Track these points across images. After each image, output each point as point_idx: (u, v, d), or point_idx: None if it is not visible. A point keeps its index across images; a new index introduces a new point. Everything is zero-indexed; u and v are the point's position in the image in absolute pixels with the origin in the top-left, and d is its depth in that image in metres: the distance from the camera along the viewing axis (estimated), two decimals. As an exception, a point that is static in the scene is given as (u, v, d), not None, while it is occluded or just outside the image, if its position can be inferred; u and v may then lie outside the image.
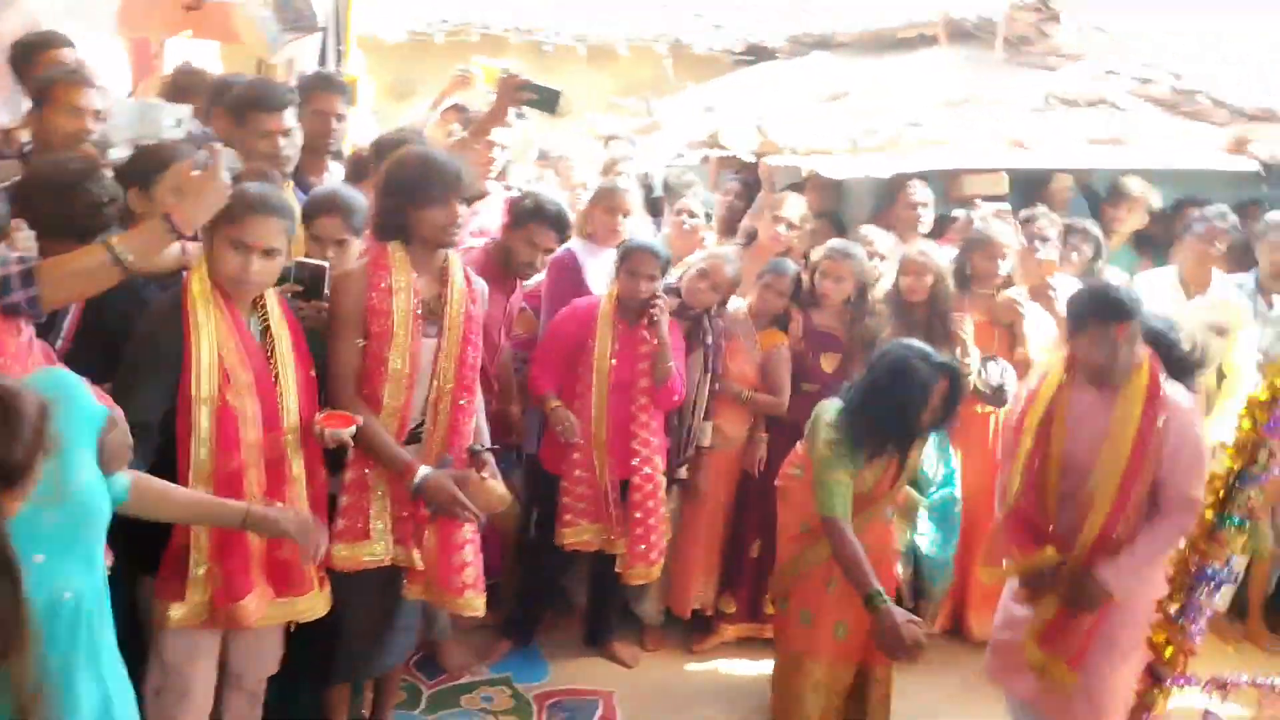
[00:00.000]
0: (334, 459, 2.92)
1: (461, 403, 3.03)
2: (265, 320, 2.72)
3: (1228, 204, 5.17)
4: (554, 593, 4.50)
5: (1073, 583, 3.17)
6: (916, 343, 3.37)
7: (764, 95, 9.29)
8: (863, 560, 3.24)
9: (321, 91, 3.80)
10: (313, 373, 2.84)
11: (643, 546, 3.92)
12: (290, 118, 3.42)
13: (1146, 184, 5.46)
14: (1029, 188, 5.46)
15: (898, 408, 3.25)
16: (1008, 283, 4.49)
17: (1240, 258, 5.13)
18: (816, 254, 4.43)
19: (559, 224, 3.82)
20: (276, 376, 2.68)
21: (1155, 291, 4.72)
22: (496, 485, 3.05)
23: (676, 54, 11.98)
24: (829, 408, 3.44)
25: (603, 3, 13.21)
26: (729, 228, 5.31)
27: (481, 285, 3.18)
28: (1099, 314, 3.12)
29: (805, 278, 4.39)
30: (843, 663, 3.46)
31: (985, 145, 5.75)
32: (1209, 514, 2.91)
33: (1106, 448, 3.12)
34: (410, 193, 2.90)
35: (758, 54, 12.09)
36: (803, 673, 3.45)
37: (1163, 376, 3.16)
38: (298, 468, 2.76)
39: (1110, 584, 3.13)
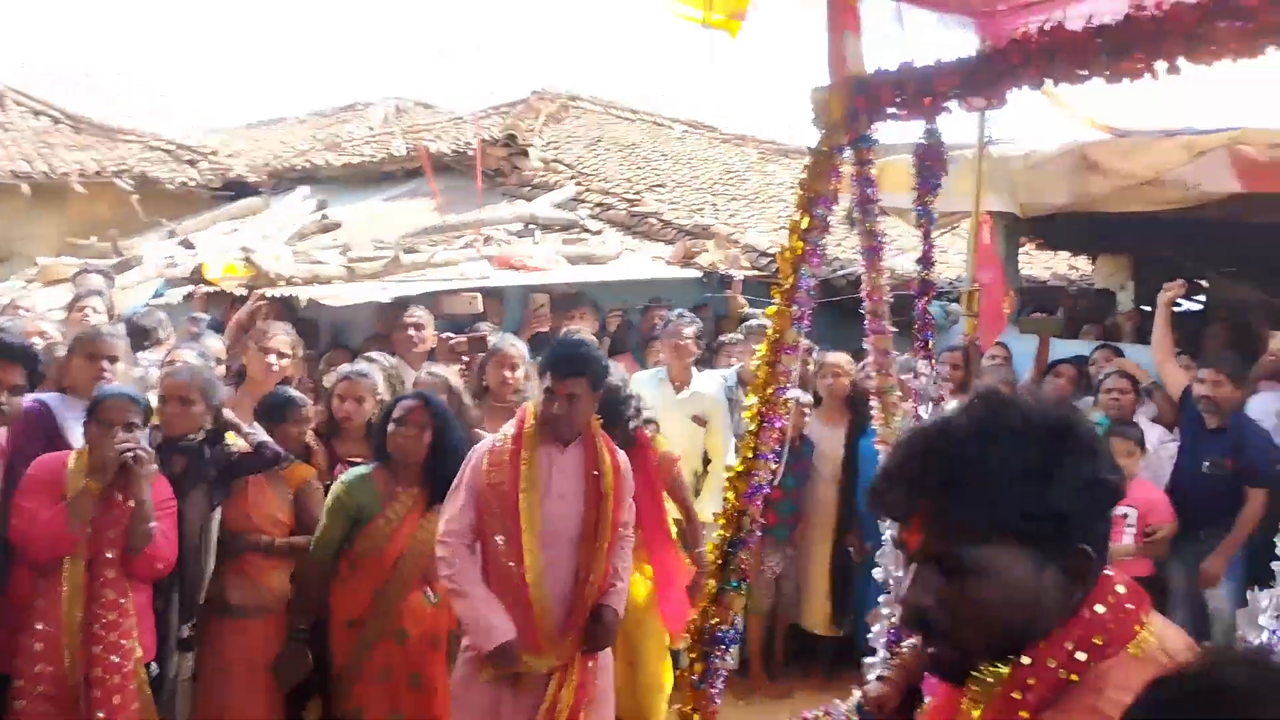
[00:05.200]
0: None
1: None
2: None
3: (683, 307, 5.94)
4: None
5: (597, 624, 3.34)
6: None
7: (249, 230, 8.94)
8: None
9: None
10: None
11: None
12: None
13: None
14: (517, 303, 5.84)
15: None
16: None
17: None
18: (330, 380, 4.27)
19: (21, 356, 3.22)
20: None
21: (646, 389, 5.22)
22: None
23: (144, 190, 11.04)
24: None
25: (46, 138, 11.85)
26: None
27: None
28: (555, 369, 3.27)
29: (323, 407, 4.20)
30: None
31: (480, 268, 6.04)
32: (712, 583, 3.20)
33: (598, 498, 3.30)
34: None
35: (237, 189, 11.68)
36: None
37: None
38: None
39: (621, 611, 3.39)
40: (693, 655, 3.13)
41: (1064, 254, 10.83)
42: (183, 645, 3.63)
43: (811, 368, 5.38)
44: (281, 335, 4.40)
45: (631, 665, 4.08)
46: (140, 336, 5.09)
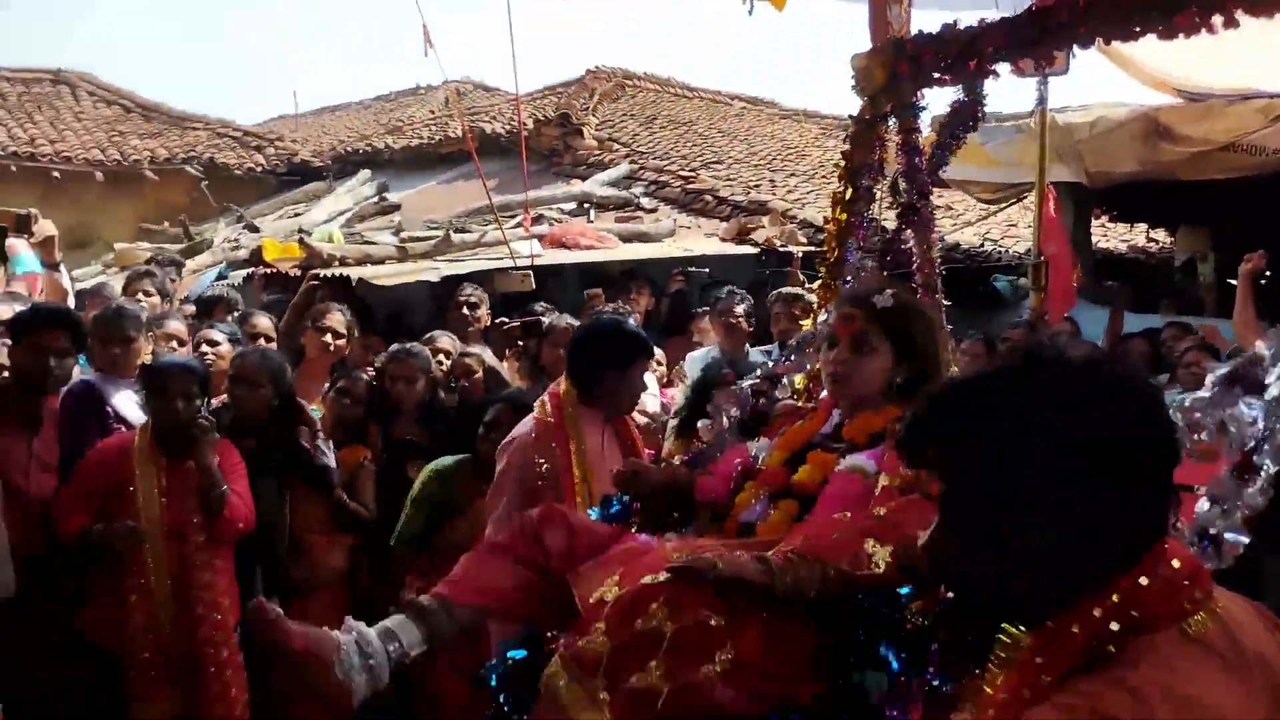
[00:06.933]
0: None
1: None
2: None
3: (739, 285, 5.83)
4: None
5: None
6: None
7: (312, 213, 9.08)
8: None
9: None
10: None
11: (222, 708, 3.36)
12: None
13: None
14: (586, 280, 5.85)
15: None
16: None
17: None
18: (381, 360, 4.31)
19: (66, 321, 3.32)
20: None
21: (698, 365, 5.12)
22: None
23: (213, 175, 11.29)
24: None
25: (117, 126, 12.18)
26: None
27: None
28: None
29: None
30: None
31: (530, 247, 6.03)
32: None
33: None
34: None
35: (303, 174, 11.87)
36: None
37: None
38: None
39: None
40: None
41: (1143, 226, 10.43)
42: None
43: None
44: (337, 315, 4.44)
45: None
46: (206, 314, 5.21)
